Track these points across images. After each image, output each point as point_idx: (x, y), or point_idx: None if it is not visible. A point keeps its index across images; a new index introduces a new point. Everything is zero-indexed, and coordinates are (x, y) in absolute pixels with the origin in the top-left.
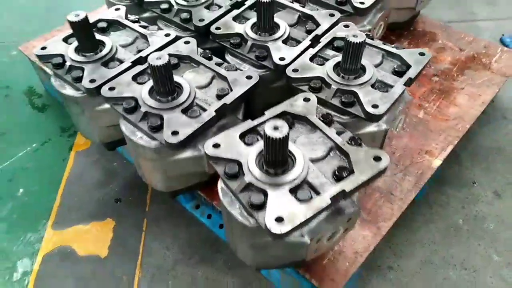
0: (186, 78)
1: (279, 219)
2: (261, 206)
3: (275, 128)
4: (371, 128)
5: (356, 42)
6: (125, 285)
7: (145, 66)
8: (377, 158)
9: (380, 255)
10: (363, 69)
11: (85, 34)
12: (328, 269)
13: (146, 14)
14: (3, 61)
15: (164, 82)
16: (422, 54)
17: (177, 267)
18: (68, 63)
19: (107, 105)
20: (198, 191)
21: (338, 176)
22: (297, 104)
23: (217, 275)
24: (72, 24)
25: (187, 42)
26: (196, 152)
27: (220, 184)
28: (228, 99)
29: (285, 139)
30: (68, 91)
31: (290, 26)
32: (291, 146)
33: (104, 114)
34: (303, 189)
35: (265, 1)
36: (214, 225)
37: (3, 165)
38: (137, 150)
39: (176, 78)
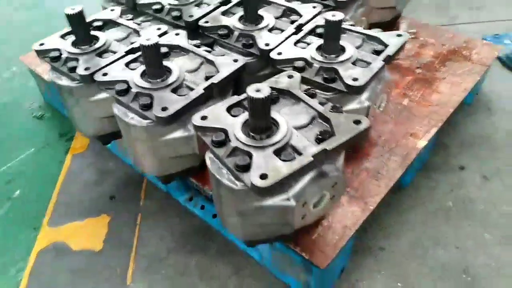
0: (176, 63)
1: (263, 176)
2: (247, 168)
3: (257, 90)
4: (354, 105)
5: (335, 20)
6: (119, 276)
7: (137, 54)
8: (357, 122)
9: (371, 237)
10: (343, 50)
11: (81, 26)
12: (318, 242)
13: (140, 18)
14: (3, 76)
15: (153, 62)
16: (399, 35)
17: (170, 256)
18: (64, 55)
19: (101, 95)
20: (190, 178)
21: (320, 139)
22: (281, 81)
23: (210, 263)
24: (69, 16)
25: (177, 34)
26: (186, 133)
27: (208, 155)
28: (215, 79)
29: (267, 99)
30: (64, 81)
31: (276, 18)
32: (275, 115)
33: (98, 105)
34: (286, 151)
35: None
36: (207, 216)
37: (2, 168)
38: (129, 131)
39: (166, 63)
